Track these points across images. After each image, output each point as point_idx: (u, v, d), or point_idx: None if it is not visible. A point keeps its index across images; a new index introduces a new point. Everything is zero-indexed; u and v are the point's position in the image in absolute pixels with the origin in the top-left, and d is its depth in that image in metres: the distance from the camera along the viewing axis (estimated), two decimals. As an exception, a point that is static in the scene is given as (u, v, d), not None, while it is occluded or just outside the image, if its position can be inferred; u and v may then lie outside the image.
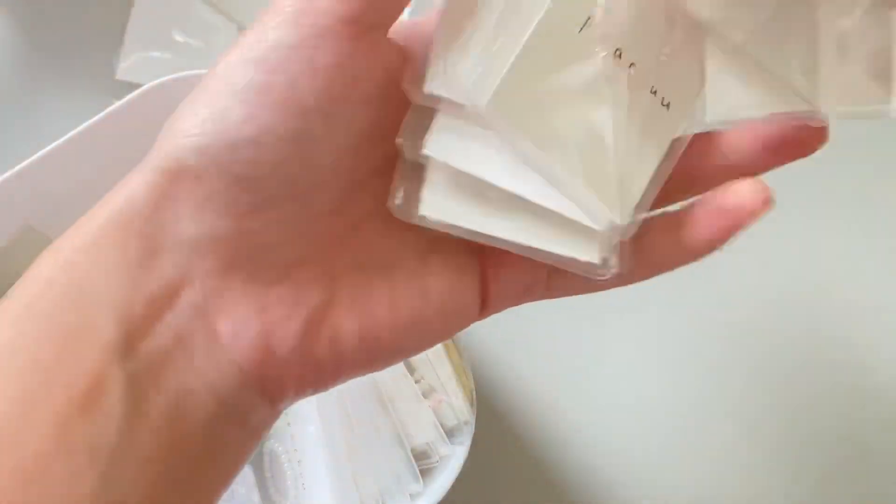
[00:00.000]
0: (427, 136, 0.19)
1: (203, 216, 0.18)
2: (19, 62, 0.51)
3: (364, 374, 0.21)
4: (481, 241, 0.20)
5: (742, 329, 0.52)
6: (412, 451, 0.42)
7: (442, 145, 0.19)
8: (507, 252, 0.20)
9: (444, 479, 0.41)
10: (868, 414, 0.50)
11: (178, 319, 0.18)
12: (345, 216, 0.20)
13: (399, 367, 0.43)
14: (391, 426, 0.42)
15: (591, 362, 0.51)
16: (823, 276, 0.52)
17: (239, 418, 0.19)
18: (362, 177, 0.20)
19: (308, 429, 0.41)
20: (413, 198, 0.20)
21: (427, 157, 0.19)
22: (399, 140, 0.19)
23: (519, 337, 0.51)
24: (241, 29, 0.52)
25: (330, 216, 0.20)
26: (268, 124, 0.17)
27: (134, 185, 0.18)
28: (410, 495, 0.41)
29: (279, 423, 0.42)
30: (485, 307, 0.22)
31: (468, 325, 0.22)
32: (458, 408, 0.42)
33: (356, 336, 0.20)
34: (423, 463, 0.42)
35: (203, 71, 0.40)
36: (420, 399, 0.42)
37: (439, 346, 0.43)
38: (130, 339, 0.17)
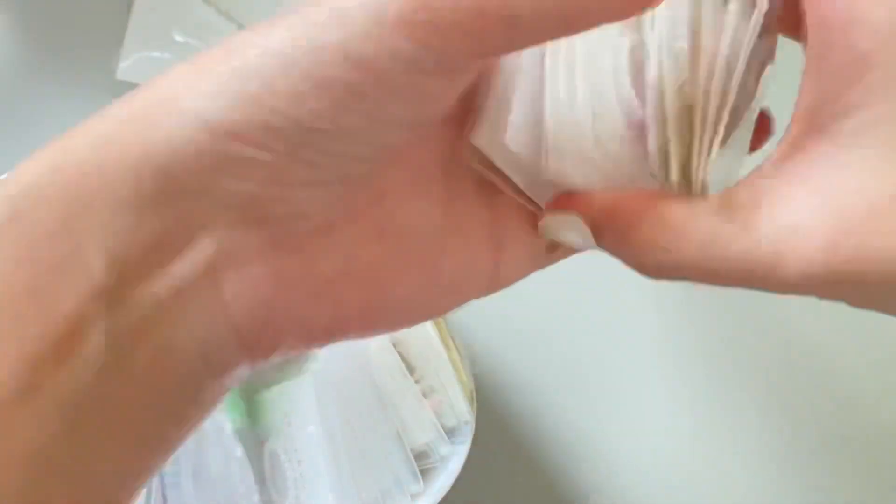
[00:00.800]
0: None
1: (249, 176, 0.16)
2: (19, 62, 0.51)
3: (355, 339, 0.20)
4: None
5: (747, 330, 0.52)
6: (412, 451, 0.42)
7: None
8: (522, 228, 0.21)
9: (444, 479, 0.41)
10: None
11: (183, 270, 0.16)
12: (376, 184, 0.19)
13: (399, 367, 0.43)
14: (391, 426, 0.42)
15: (592, 362, 0.51)
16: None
17: (220, 375, 0.18)
18: (399, 148, 0.19)
19: (308, 429, 0.41)
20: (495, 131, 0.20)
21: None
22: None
23: (520, 337, 0.51)
24: (242, 29, 0.52)
25: (363, 184, 0.19)
26: (345, 126, 0.16)
27: (171, 127, 0.16)
28: (410, 495, 0.41)
29: (279, 424, 0.42)
30: (492, 286, 0.22)
31: (469, 301, 0.22)
32: (458, 408, 0.42)
33: (360, 306, 0.19)
34: (423, 463, 0.42)
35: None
36: (420, 399, 0.42)
37: (439, 346, 0.43)
38: (123, 283, 0.16)
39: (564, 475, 0.49)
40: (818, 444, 0.50)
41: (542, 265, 0.23)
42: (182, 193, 0.16)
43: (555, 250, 0.23)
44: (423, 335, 0.43)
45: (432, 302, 0.21)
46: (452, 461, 0.41)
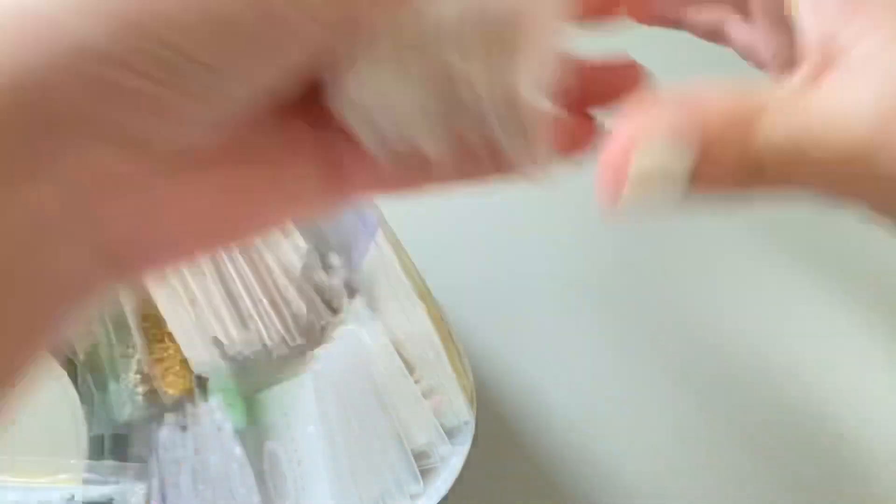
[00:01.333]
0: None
1: (132, 106, 0.16)
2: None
3: (215, 252, 0.20)
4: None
5: (749, 334, 0.52)
6: (412, 451, 0.41)
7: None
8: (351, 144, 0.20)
9: (444, 480, 0.41)
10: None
11: (47, 194, 0.15)
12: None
13: (399, 367, 0.43)
14: (391, 426, 0.42)
15: (592, 362, 0.51)
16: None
17: (81, 296, 0.17)
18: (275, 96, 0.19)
19: (308, 429, 0.41)
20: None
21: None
22: None
23: (519, 337, 0.51)
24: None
25: (233, 123, 0.19)
26: (231, 63, 0.16)
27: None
28: (410, 496, 0.41)
29: (279, 423, 0.42)
30: (333, 193, 0.21)
31: (309, 211, 0.22)
32: (458, 408, 0.42)
33: (226, 222, 0.19)
34: (423, 463, 0.42)
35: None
36: (420, 399, 0.42)
37: (439, 346, 0.43)
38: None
39: (564, 475, 0.49)
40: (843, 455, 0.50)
41: (391, 187, 0.22)
42: (56, 119, 0.15)
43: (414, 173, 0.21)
44: (424, 335, 0.43)
45: (280, 210, 0.21)
46: (452, 461, 0.41)
